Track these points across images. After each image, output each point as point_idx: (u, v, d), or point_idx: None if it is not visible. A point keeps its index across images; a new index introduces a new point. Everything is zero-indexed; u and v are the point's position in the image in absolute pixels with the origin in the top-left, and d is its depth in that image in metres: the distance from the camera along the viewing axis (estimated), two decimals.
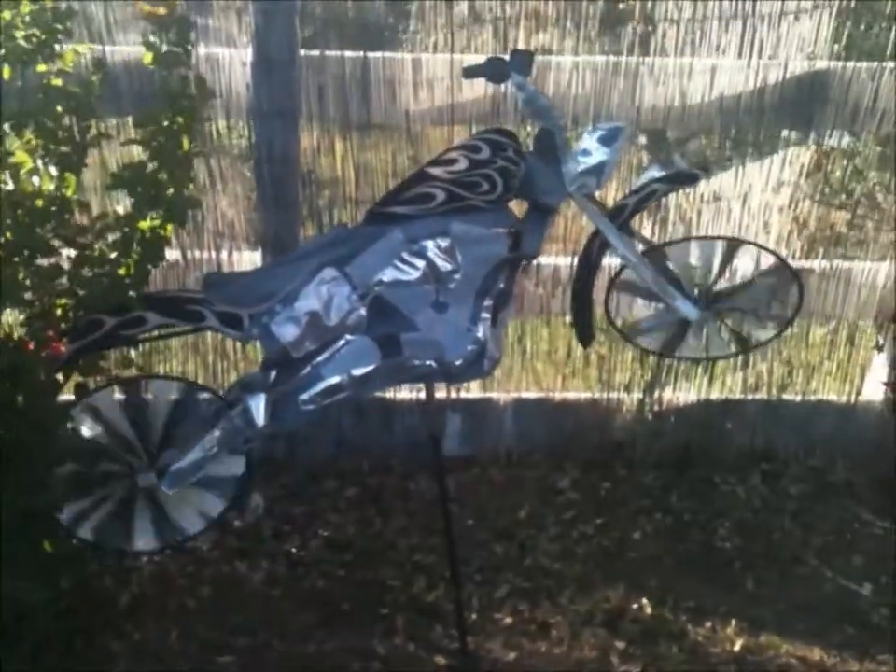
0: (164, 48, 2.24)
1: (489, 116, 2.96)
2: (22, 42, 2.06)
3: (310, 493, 3.17)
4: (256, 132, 2.92)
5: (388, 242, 2.33)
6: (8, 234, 1.99)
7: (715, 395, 3.38)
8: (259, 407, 2.35)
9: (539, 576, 2.87)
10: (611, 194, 2.92)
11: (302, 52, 2.86)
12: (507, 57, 2.42)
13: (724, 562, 2.97)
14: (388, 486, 3.23)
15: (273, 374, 2.36)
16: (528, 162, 2.38)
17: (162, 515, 2.56)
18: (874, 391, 3.39)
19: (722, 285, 2.63)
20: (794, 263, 2.87)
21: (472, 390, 3.32)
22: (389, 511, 3.12)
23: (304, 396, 2.36)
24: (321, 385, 2.36)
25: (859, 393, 3.40)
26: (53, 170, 2.10)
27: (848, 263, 3.25)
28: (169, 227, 2.23)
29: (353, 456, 3.27)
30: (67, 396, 2.40)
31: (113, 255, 2.17)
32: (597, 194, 2.53)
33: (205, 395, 2.56)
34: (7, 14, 2.05)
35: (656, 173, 2.48)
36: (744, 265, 2.64)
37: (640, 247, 2.56)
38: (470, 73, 2.42)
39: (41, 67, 2.12)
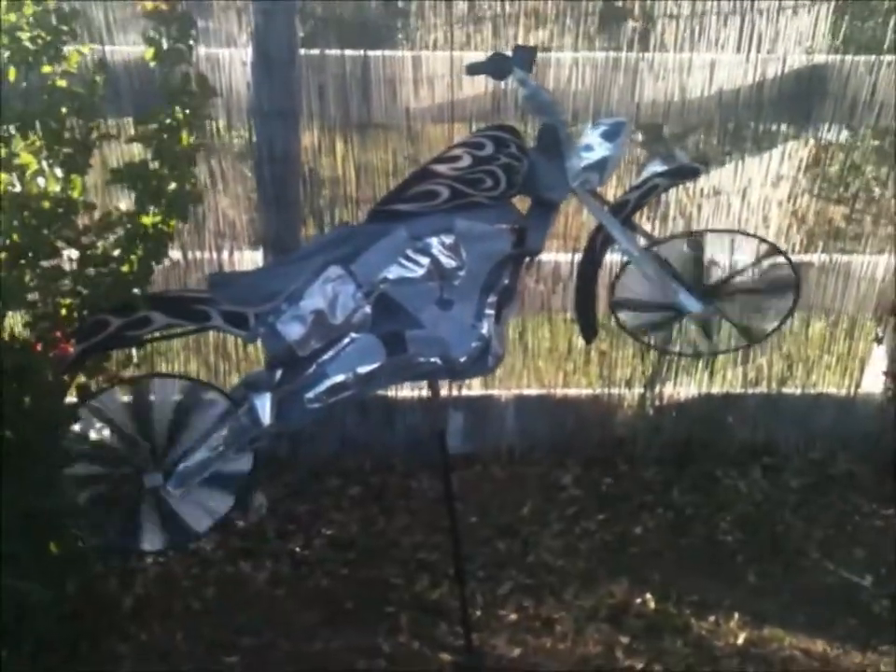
0: (166, 44, 2.23)
1: (489, 113, 2.96)
2: (28, 44, 2.05)
3: (313, 492, 3.18)
4: (256, 131, 2.92)
5: (393, 239, 2.34)
6: (15, 236, 1.98)
7: (715, 389, 3.39)
8: (264, 406, 2.35)
9: (543, 572, 2.87)
10: (609, 190, 2.93)
11: (302, 51, 2.86)
12: (509, 53, 2.42)
13: (727, 556, 2.98)
14: (391, 485, 3.24)
15: (278, 373, 2.36)
16: (531, 158, 2.38)
17: (170, 514, 2.56)
18: (873, 383, 3.40)
19: (723, 278, 2.64)
20: (794, 257, 2.87)
21: (474, 388, 3.32)
22: (392, 510, 3.13)
23: (310, 394, 2.36)
24: (327, 384, 2.36)
25: (858, 386, 3.41)
26: (59, 171, 2.09)
27: (847, 257, 3.26)
28: (172, 222, 2.22)
29: (355, 455, 3.28)
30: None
31: (116, 252, 2.16)
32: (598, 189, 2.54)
33: (211, 393, 2.56)
34: (12, 16, 2.05)
35: (658, 167, 2.48)
36: (742, 258, 2.65)
37: (643, 242, 2.57)
38: (474, 69, 2.43)
39: (46, 69, 2.12)
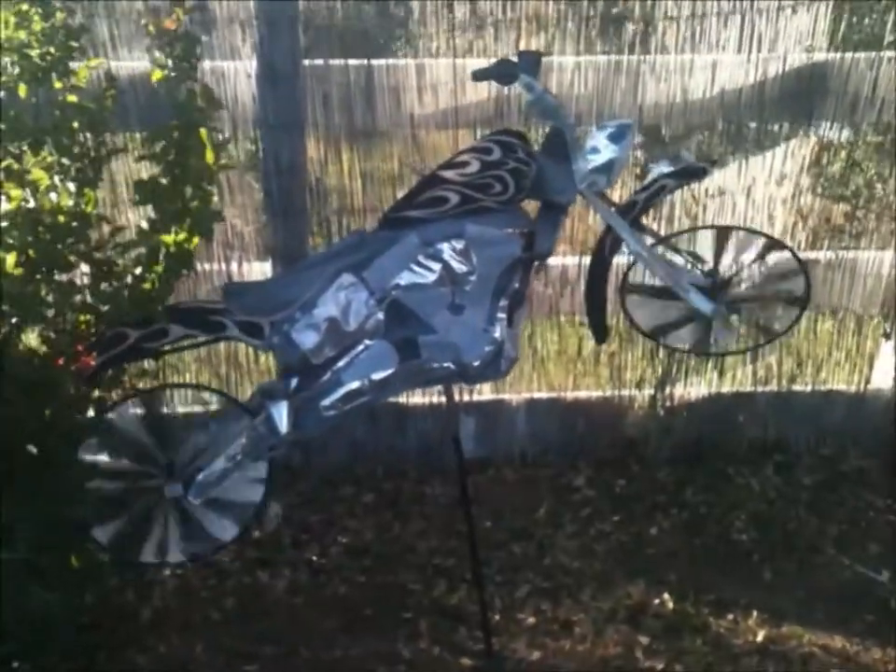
0: (171, 63, 2.25)
1: (493, 118, 2.98)
2: (37, 60, 2.07)
3: (327, 500, 3.19)
4: (263, 143, 2.94)
5: (404, 246, 2.35)
6: (30, 251, 2.00)
7: (726, 389, 3.40)
8: (281, 414, 2.36)
9: (560, 574, 2.88)
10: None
11: (306, 62, 2.88)
12: (515, 58, 2.44)
13: (742, 554, 2.99)
14: (404, 491, 3.25)
15: (294, 382, 2.37)
16: (539, 162, 2.39)
17: (193, 524, 2.57)
18: (882, 379, 3.40)
19: (734, 277, 2.65)
20: (800, 254, 2.88)
21: (485, 392, 3.33)
22: (406, 516, 3.14)
23: (325, 402, 2.38)
24: (342, 391, 2.38)
25: (868, 382, 3.42)
26: (71, 186, 2.11)
27: (853, 253, 3.27)
28: (195, 240, 2.24)
29: (368, 462, 3.29)
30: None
31: (137, 270, 2.18)
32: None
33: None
34: (21, 33, 2.07)
35: (665, 168, 2.49)
36: (752, 256, 2.66)
37: (651, 242, 2.58)
38: (480, 75, 2.44)
39: (57, 84, 2.14)
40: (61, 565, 2.04)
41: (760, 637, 2.65)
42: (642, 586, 2.83)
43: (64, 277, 2.16)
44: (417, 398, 3.27)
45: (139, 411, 2.53)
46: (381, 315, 2.36)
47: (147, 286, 2.19)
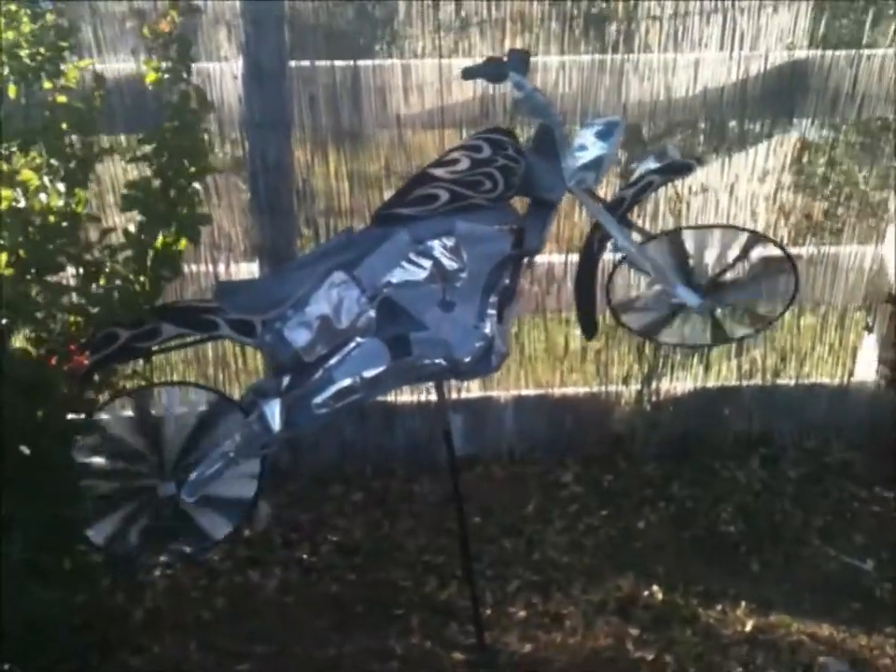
0: (165, 65, 2.26)
1: (478, 118, 3.00)
2: (27, 60, 2.07)
3: (316, 499, 3.19)
4: (249, 143, 2.94)
5: (395, 243, 2.37)
6: (20, 251, 2.00)
7: (711, 383, 3.43)
8: (274, 412, 2.37)
9: (550, 569, 2.91)
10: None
11: (292, 63, 2.89)
12: (504, 57, 2.46)
13: (729, 546, 3.02)
14: (393, 489, 3.26)
15: (286, 380, 2.38)
16: (528, 160, 2.41)
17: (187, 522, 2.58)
18: (865, 372, 3.45)
19: (721, 273, 2.69)
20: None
21: (473, 390, 3.35)
22: (396, 514, 3.15)
23: (318, 399, 2.39)
24: (334, 389, 2.39)
25: (851, 375, 3.47)
26: (61, 186, 2.11)
27: (835, 248, 3.31)
28: (182, 242, 2.24)
29: (356, 461, 3.29)
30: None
31: (127, 273, 2.18)
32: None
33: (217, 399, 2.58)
34: (10, 34, 2.07)
35: (651, 164, 2.52)
36: (738, 252, 2.69)
37: (638, 238, 2.61)
38: (470, 73, 2.46)
39: (46, 85, 2.14)
40: (58, 564, 2.03)
41: (748, 627, 2.68)
42: (631, 579, 2.85)
43: (54, 278, 2.16)
44: (405, 396, 3.29)
45: (129, 410, 2.53)
46: (372, 313, 2.38)
47: (135, 287, 2.19)
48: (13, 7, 2.11)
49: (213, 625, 2.68)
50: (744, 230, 2.76)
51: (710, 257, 2.66)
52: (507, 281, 2.45)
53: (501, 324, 2.46)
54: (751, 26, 3.00)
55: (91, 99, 2.23)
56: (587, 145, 2.45)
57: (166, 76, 2.24)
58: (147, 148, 2.24)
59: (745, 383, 3.43)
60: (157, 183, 2.23)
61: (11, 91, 2.12)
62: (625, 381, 3.40)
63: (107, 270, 2.20)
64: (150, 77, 2.27)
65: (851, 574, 2.92)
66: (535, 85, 2.54)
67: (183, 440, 2.48)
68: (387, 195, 2.72)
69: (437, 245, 2.37)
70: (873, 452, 3.34)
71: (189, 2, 2.29)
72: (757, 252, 2.67)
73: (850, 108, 3.11)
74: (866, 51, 3.05)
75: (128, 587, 2.74)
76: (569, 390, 3.40)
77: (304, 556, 2.95)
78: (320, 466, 3.26)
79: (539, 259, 2.96)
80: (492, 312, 2.42)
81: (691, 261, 2.65)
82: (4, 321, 2.01)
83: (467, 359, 2.43)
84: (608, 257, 2.72)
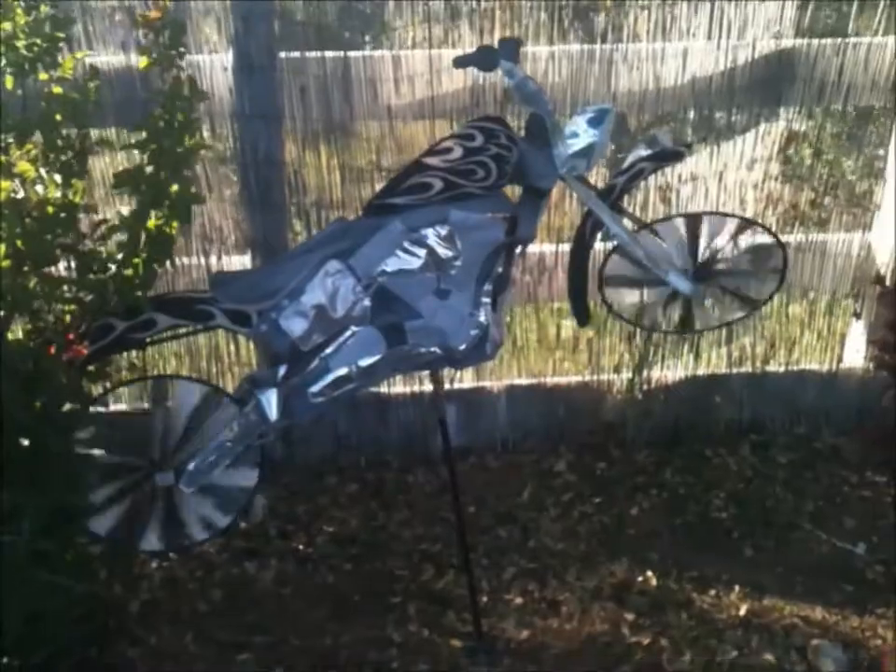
0: (156, 53, 2.26)
1: (469, 108, 3.01)
2: (24, 51, 2.07)
3: (311, 491, 3.20)
4: (240, 135, 2.94)
5: (389, 232, 2.37)
6: (18, 242, 2.00)
7: (701, 371, 3.45)
8: (271, 402, 2.38)
9: (545, 556, 2.93)
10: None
11: (283, 54, 2.89)
12: (496, 45, 2.47)
13: (722, 532, 3.05)
14: (388, 480, 3.27)
15: (282, 369, 2.39)
16: (520, 148, 2.42)
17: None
18: (854, 358, 3.48)
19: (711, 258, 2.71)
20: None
21: (465, 380, 3.36)
22: (391, 504, 3.16)
23: (314, 388, 2.39)
24: (330, 377, 2.39)
25: (840, 361, 3.49)
26: (58, 177, 2.11)
27: (823, 235, 3.34)
28: (174, 225, 2.24)
29: (351, 453, 3.30)
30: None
31: (119, 256, 2.18)
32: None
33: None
34: (6, 25, 2.07)
35: (643, 151, 2.54)
36: (727, 237, 2.72)
37: (631, 225, 2.63)
38: (461, 62, 2.46)
39: (43, 76, 2.14)
40: (63, 553, 2.04)
41: (742, 611, 2.70)
42: (626, 565, 2.88)
43: (51, 269, 2.16)
44: (399, 387, 3.30)
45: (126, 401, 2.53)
46: (367, 302, 2.38)
47: (129, 272, 2.19)
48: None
49: (210, 617, 2.69)
50: (732, 215, 2.79)
51: (701, 243, 2.68)
52: (500, 269, 2.45)
53: (496, 311, 2.47)
54: (739, 15, 3.01)
55: (86, 90, 2.23)
56: (579, 132, 2.46)
57: (159, 62, 2.23)
58: (140, 136, 2.24)
59: (735, 370, 3.46)
60: (149, 169, 2.23)
61: (8, 82, 2.11)
62: (617, 370, 3.42)
63: (103, 256, 2.19)
64: (143, 62, 2.27)
65: (843, 557, 2.94)
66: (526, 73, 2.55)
67: (181, 430, 2.49)
68: (378, 186, 2.72)
69: (431, 234, 2.37)
70: (862, 437, 3.37)
71: None
72: (746, 237, 2.69)
73: (836, 97, 3.13)
74: (852, 40, 3.07)
75: (124, 579, 2.74)
76: (562, 379, 3.41)
77: (301, 547, 2.97)
78: (315, 458, 3.27)
79: (530, 248, 2.99)
80: (486, 300, 2.43)
81: (683, 248, 2.66)
82: (1, 313, 2.01)
83: (462, 347, 2.44)
84: (599, 245, 2.75)
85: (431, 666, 2.53)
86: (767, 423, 3.46)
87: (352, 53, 2.94)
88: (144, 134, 2.22)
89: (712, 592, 2.78)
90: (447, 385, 3.28)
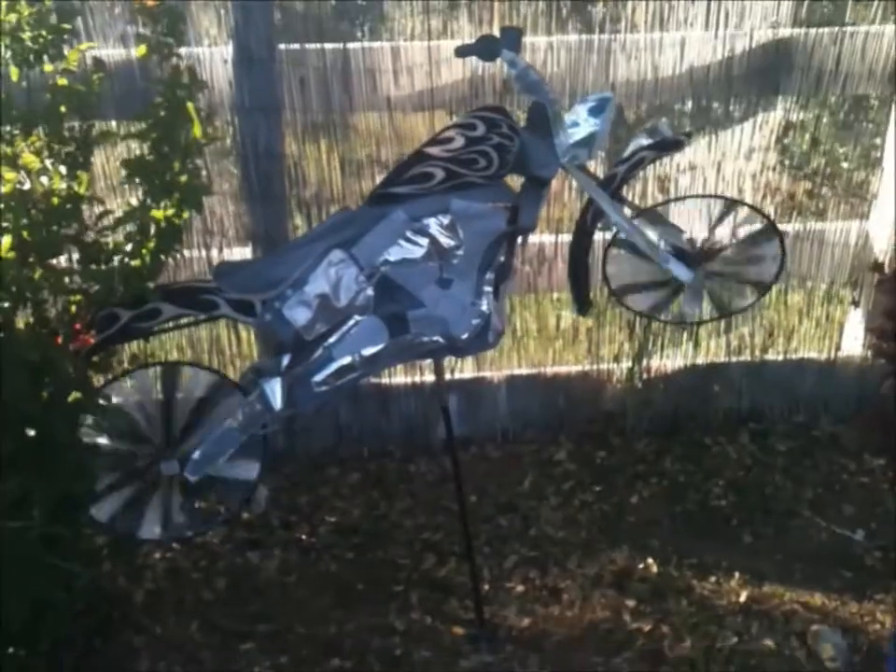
0: (154, 41, 2.26)
1: (468, 99, 3.02)
2: (29, 43, 2.08)
3: (313, 481, 3.22)
4: (240, 128, 2.95)
5: (391, 222, 2.38)
6: (24, 234, 2.01)
7: (700, 360, 3.47)
8: (275, 391, 2.39)
9: (546, 544, 2.94)
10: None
11: (282, 46, 2.90)
12: (497, 34, 2.48)
13: (722, 519, 3.07)
14: (389, 470, 3.29)
15: (286, 359, 2.40)
16: (522, 137, 2.43)
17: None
18: (852, 346, 3.50)
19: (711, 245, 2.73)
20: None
21: (466, 370, 3.37)
22: (393, 494, 3.18)
23: (318, 377, 2.41)
24: (333, 367, 2.41)
25: (838, 349, 3.51)
26: (63, 169, 2.12)
27: (820, 224, 3.35)
28: (184, 214, 2.25)
29: (353, 444, 3.32)
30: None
31: (128, 247, 2.19)
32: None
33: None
34: (11, 16, 2.07)
35: (643, 141, 2.55)
36: (726, 225, 2.73)
37: (631, 213, 2.65)
38: (463, 52, 2.47)
39: (48, 68, 2.15)
40: (72, 540, 2.05)
41: (742, 598, 2.72)
42: (626, 552, 2.90)
43: (57, 260, 2.17)
44: (400, 377, 3.31)
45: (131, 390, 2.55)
46: (370, 291, 2.39)
47: (136, 262, 2.20)
48: None
49: (214, 606, 2.71)
50: (725, 197, 2.80)
51: (699, 230, 2.70)
52: (502, 258, 2.47)
53: (498, 300, 2.48)
54: (736, 5, 3.02)
55: (90, 82, 2.23)
56: (580, 121, 2.48)
57: (157, 51, 2.23)
58: (141, 126, 2.24)
59: (734, 359, 3.48)
60: (152, 158, 2.24)
61: (13, 73, 2.12)
62: (616, 359, 3.43)
63: (110, 247, 2.20)
64: (140, 51, 2.27)
65: (842, 544, 2.96)
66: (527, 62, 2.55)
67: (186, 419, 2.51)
68: (378, 177, 2.73)
69: (433, 223, 2.39)
70: (861, 424, 3.38)
71: None
72: (744, 223, 2.71)
73: (834, 85, 3.15)
74: (849, 28, 3.08)
75: (128, 569, 2.76)
76: (562, 369, 3.43)
77: (303, 537, 2.98)
78: (316, 449, 3.29)
79: (530, 239, 3.00)
80: (488, 289, 2.45)
81: (682, 235, 2.68)
82: (7, 304, 2.02)
83: (464, 336, 2.46)
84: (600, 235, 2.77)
85: (434, 654, 2.55)
86: (766, 411, 3.48)
87: (351, 45, 2.95)
88: (144, 125, 2.22)
89: (712, 579, 2.80)
90: (447, 376, 3.30)
